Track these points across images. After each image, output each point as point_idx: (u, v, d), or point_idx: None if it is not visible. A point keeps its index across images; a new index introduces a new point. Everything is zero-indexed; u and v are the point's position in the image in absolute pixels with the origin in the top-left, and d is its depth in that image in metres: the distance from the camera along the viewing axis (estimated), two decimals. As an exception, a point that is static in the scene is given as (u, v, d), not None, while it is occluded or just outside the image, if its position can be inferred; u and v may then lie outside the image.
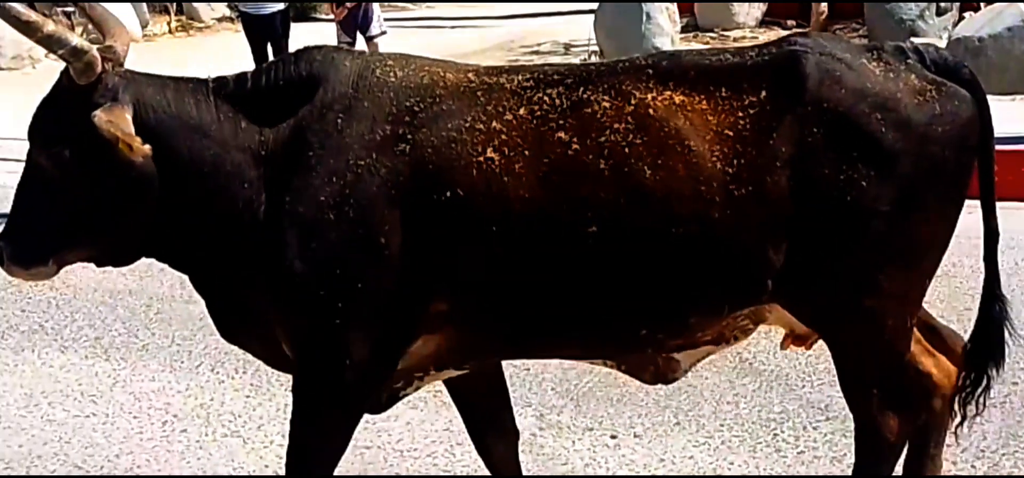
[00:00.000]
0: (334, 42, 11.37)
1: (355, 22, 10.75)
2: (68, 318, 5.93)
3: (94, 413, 4.79)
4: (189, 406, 4.80)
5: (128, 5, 17.26)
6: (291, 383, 3.14)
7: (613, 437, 4.36)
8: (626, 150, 2.81)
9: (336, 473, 3.18)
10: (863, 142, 2.80)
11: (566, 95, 2.90)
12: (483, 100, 2.91)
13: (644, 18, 11.39)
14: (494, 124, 2.86)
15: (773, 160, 2.81)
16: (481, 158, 2.83)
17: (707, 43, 12.84)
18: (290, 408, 4.63)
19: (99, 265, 3.17)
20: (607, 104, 2.86)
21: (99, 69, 2.86)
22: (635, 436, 4.35)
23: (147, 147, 2.81)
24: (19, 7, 2.84)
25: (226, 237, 2.96)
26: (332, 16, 11.46)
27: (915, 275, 2.98)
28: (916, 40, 5.38)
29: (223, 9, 18.89)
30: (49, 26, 2.83)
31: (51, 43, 2.83)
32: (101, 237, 2.99)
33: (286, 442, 4.37)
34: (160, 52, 16.24)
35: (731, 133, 2.82)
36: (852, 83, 2.83)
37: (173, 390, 4.96)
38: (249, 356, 3.49)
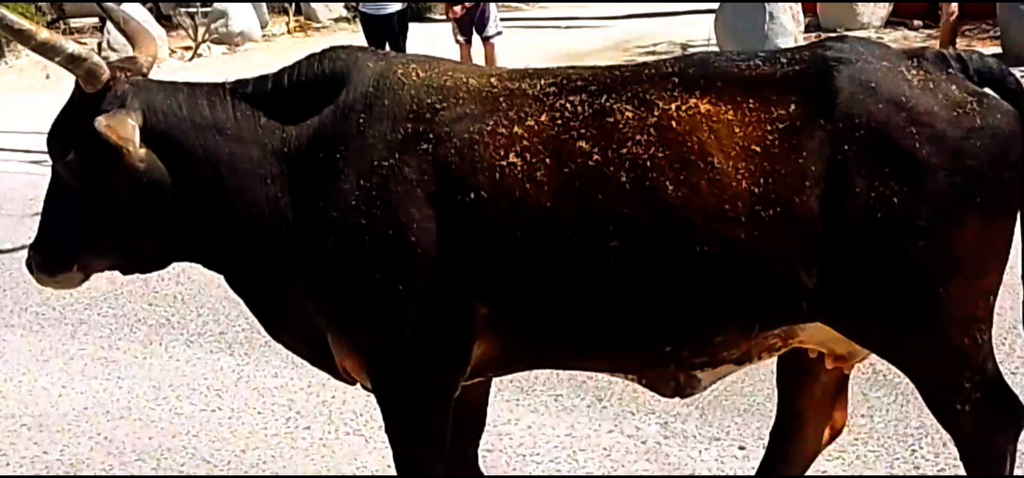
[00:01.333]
0: (450, 42, 11.45)
1: (471, 22, 10.76)
2: (193, 313, 6.02)
3: (220, 408, 4.84)
4: (311, 403, 4.82)
5: (249, 6, 17.71)
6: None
7: (741, 448, 4.23)
8: (648, 163, 2.73)
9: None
10: (896, 158, 2.68)
11: (589, 102, 2.83)
12: (505, 105, 2.86)
13: (767, 18, 11.14)
14: (516, 129, 2.81)
15: (802, 179, 2.69)
16: (503, 162, 2.78)
17: (830, 44, 12.55)
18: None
19: (125, 272, 3.22)
20: (630, 114, 2.79)
21: (105, 77, 2.90)
22: (764, 448, 4.21)
23: (142, 151, 2.83)
24: (12, 16, 2.87)
25: (253, 235, 2.96)
26: (446, 16, 11.50)
27: (972, 291, 2.82)
28: None
29: (340, 9, 19.18)
30: (42, 34, 2.88)
31: (46, 50, 2.87)
32: (122, 243, 3.03)
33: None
34: (279, 52, 16.52)
35: (758, 149, 2.71)
36: (886, 96, 2.71)
37: (296, 387, 4.98)
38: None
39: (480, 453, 3.55)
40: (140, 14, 16.54)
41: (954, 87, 2.75)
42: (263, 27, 18.05)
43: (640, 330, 2.88)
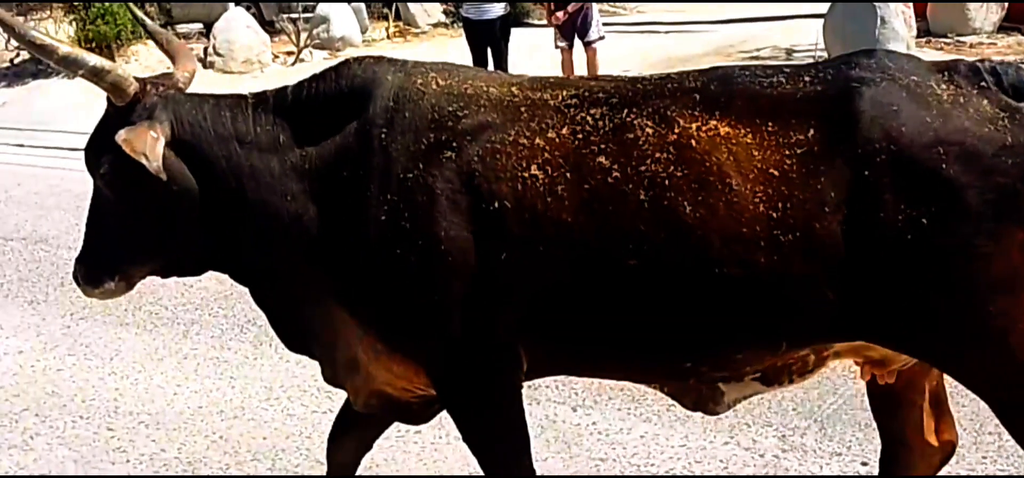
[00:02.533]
0: (551, 47, 11.43)
1: (573, 27, 10.72)
2: (303, 314, 6.04)
3: (330, 409, 4.81)
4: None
5: (350, 12, 17.90)
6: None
7: (864, 464, 4.11)
8: (666, 182, 2.71)
9: None
10: (923, 178, 2.60)
11: (609, 116, 2.81)
12: (526, 115, 2.86)
13: (878, 23, 10.86)
14: (537, 141, 2.80)
15: (822, 205, 2.63)
16: (525, 174, 2.77)
17: (941, 50, 12.21)
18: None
19: (164, 276, 3.26)
20: (650, 130, 2.76)
21: (132, 89, 2.97)
22: (887, 464, 4.08)
23: (156, 165, 2.87)
24: (34, 32, 2.96)
25: (274, 248, 2.99)
26: (546, 21, 11.48)
27: (1006, 303, 2.68)
28: None
29: (439, 15, 19.28)
30: (63, 48, 2.95)
31: (68, 64, 2.94)
32: (157, 252, 3.10)
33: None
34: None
35: (777, 173, 2.66)
36: (911, 115, 2.63)
37: (405, 390, 4.97)
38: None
39: (592, 462, 3.50)
40: (244, 19, 16.88)
41: (986, 102, 2.66)
42: (363, 32, 18.21)
43: (658, 346, 2.87)
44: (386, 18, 19.10)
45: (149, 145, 2.88)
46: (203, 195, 3.00)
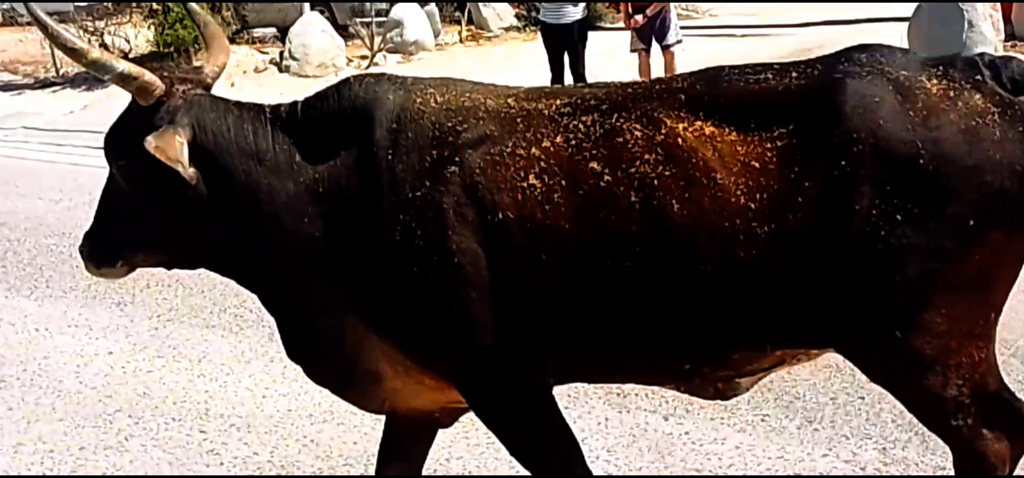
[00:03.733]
0: (625, 50, 11.37)
1: (651, 30, 10.65)
2: (387, 318, 6.04)
3: (418, 415, 4.84)
4: (510, 414, 4.77)
5: (423, 16, 17.99)
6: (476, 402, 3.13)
7: None
8: (655, 183, 2.73)
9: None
10: (901, 174, 2.57)
11: (600, 122, 2.83)
12: (522, 126, 2.89)
13: (966, 26, 10.59)
14: (533, 151, 2.83)
15: (797, 197, 2.63)
16: (524, 184, 2.81)
17: (1027, 53, 11.91)
18: (608, 419, 4.62)
19: (169, 267, 3.40)
20: (639, 133, 2.78)
21: (158, 92, 3.01)
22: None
23: (191, 171, 2.93)
24: (67, 34, 3.01)
25: (288, 266, 3.02)
26: (624, 24, 11.41)
27: (977, 310, 2.69)
28: None
29: (511, 18, 19.31)
30: (94, 53, 3.03)
31: (98, 68, 3.00)
32: (164, 244, 3.18)
33: (610, 456, 4.36)
34: (452, 60, 16.76)
35: (757, 166, 2.67)
36: (892, 108, 2.60)
37: (492, 396, 4.94)
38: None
39: (688, 470, 3.45)
40: (319, 24, 17.03)
41: (978, 96, 2.62)
42: (436, 36, 18.31)
43: (657, 349, 2.89)
44: (459, 22, 19.17)
45: (179, 151, 2.92)
46: (217, 203, 3.03)
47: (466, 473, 4.28)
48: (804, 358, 3.04)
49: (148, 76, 3.01)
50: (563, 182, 2.79)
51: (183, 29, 17.14)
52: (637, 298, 2.78)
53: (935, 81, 2.65)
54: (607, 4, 18.03)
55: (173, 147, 2.91)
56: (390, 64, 16.66)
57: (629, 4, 10.74)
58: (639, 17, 10.48)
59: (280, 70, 16.52)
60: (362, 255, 2.91)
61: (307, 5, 18.41)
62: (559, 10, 10.44)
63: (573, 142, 2.82)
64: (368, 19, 18.10)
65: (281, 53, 16.97)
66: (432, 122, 2.91)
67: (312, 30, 16.73)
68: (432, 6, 18.68)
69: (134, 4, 20.19)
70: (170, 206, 3.05)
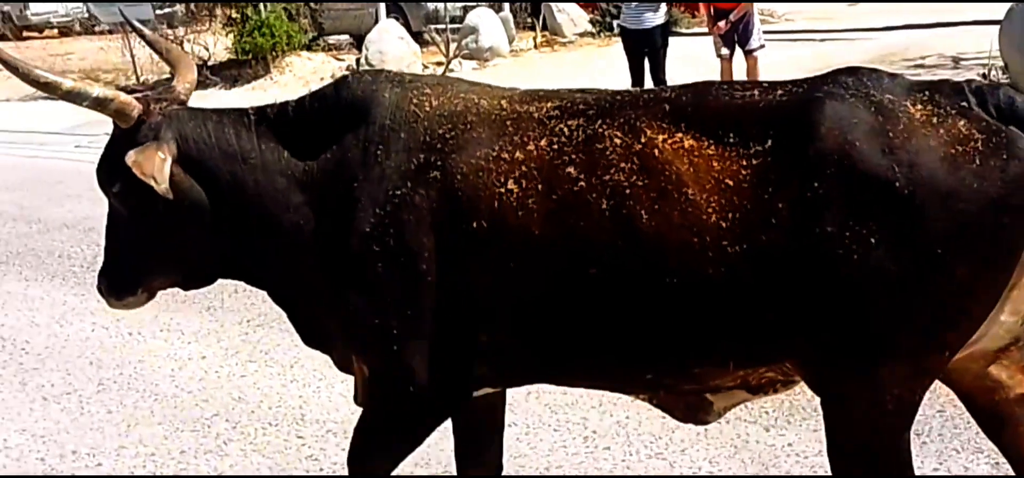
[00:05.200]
0: (708, 55, 11.25)
1: (734, 35, 10.54)
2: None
3: (513, 422, 4.79)
4: (606, 423, 4.73)
5: (498, 23, 18.02)
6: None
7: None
8: (627, 191, 2.72)
9: None
10: (874, 197, 2.51)
11: (584, 128, 2.83)
12: (511, 129, 2.89)
13: (1060, 29, 10.29)
14: (517, 154, 2.84)
15: (769, 216, 2.60)
16: (502, 189, 2.81)
17: None
18: (707, 431, 4.54)
19: (185, 288, 3.42)
20: (618, 140, 2.78)
21: (136, 112, 3.08)
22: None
23: (164, 187, 2.94)
24: (39, 71, 3.07)
25: (282, 259, 3.08)
26: (707, 29, 11.31)
27: (934, 344, 2.63)
28: None
29: (586, 24, 19.27)
30: (67, 83, 3.07)
31: (73, 97, 3.06)
32: (174, 263, 3.22)
33: (713, 468, 4.29)
34: (526, 67, 16.77)
35: (731, 183, 2.65)
36: (870, 129, 2.54)
37: (587, 405, 4.89)
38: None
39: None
40: (396, 31, 17.14)
41: (963, 122, 2.55)
42: (511, 42, 18.33)
43: (621, 357, 2.88)
44: (533, 28, 19.17)
45: (157, 166, 2.96)
46: (211, 208, 3.08)
47: (419, 469, 4.23)
48: (778, 385, 2.95)
49: (123, 97, 3.09)
50: (540, 186, 2.79)
51: (261, 37, 17.37)
52: (602, 304, 2.78)
53: (919, 106, 2.59)
54: (683, 9, 17.91)
55: (151, 162, 2.95)
56: (465, 70, 16.70)
57: (711, 8, 10.63)
58: (722, 22, 10.37)
59: (356, 77, 16.62)
60: (335, 240, 2.96)
61: (383, 12, 18.53)
62: (640, 15, 10.36)
63: (555, 146, 2.82)
64: (442, 26, 18.17)
65: (357, 60, 17.11)
66: (425, 127, 2.94)
67: (388, 37, 16.85)
68: (507, 12, 18.71)
69: (211, 10, 20.50)
70: (169, 222, 3.09)
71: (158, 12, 20.51)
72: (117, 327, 6.37)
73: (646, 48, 10.51)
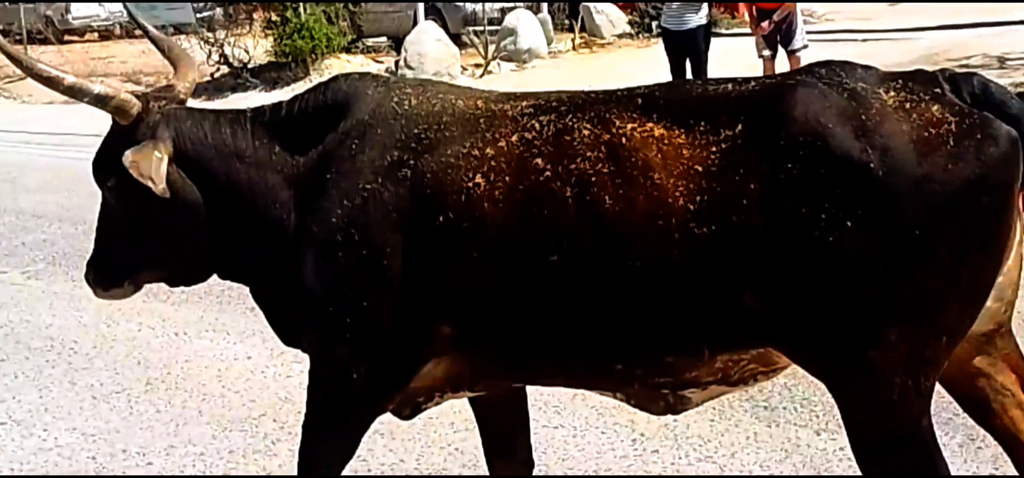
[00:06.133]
0: (750, 56, 11.18)
1: (777, 35, 10.47)
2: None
3: (561, 425, 4.79)
4: (654, 426, 4.68)
5: (536, 24, 18.02)
6: None
7: None
8: (592, 179, 2.74)
9: None
10: (847, 180, 2.52)
11: (555, 122, 2.86)
12: (484, 127, 2.92)
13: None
14: (487, 150, 2.87)
15: (740, 199, 2.60)
16: (470, 184, 2.84)
17: None
18: (757, 434, 4.51)
19: (172, 285, 3.51)
20: (587, 131, 2.80)
21: (135, 110, 3.13)
22: None
23: (162, 187, 2.98)
24: (41, 65, 3.15)
25: (266, 255, 3.12)
26: (750, 30, 11.24)
27: (926, 331, 2.60)
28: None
29: (624, 26, 19.23)
30: (68, 80, 3.13)
31: (74, 93, 3.12)
32: (163, 259, 3.27)
33: (763, 471, 4.25)
34: (564, 68, 16.76)
35: (699, 169, 2.66)
36: (842, 113, 2.56)
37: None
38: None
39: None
40: (434, 33, 17.18)
41: (936, 106, 2.57)
42: (549, 44, 18.32)
43: (589, 348, 2.89)
44: (571, 29, 19.15)
45: (154, 167, 3.00)
46: (206, 205, 3.13)
47: (466, 473, 4.23)
48: (759, 375, 2.95)
49: (123, 95, 3.15)
50: (507, 178, 2.81)
51: (301, 40, 17.46)
52: (567, 291, 2.79)
53: (892, 92, 2.61)
54: (723, 9, 17.82)
55: (148, 162, 3.00)
56: (504, 72, 16.74)
57: (754, 8, 10.57)
58: (765, 23, 10.30)
59: (395, 79, 16.68)
60: (303, 230, 3.01)
61: (422, 14, 18.57)
62: (682, 15, 10.32)
63: (525, 140, 2.85)
64: (480, 28, 18.18)
65: (396, 62, 17.16)
66: (402, 125, 2.98)
67: (427, 39, 16.90)
68: (545, 14, 18.71)
69: (250, 13, 20.62)
70: (163, 218, 3.13)
71: (198, 15, 20.69)
72: (163, 327, 6.42)
73: (688, 49, 10.46)
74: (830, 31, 17.45)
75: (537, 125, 2.87)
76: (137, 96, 3.18)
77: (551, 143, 2.81)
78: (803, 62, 10.56)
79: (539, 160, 2.80)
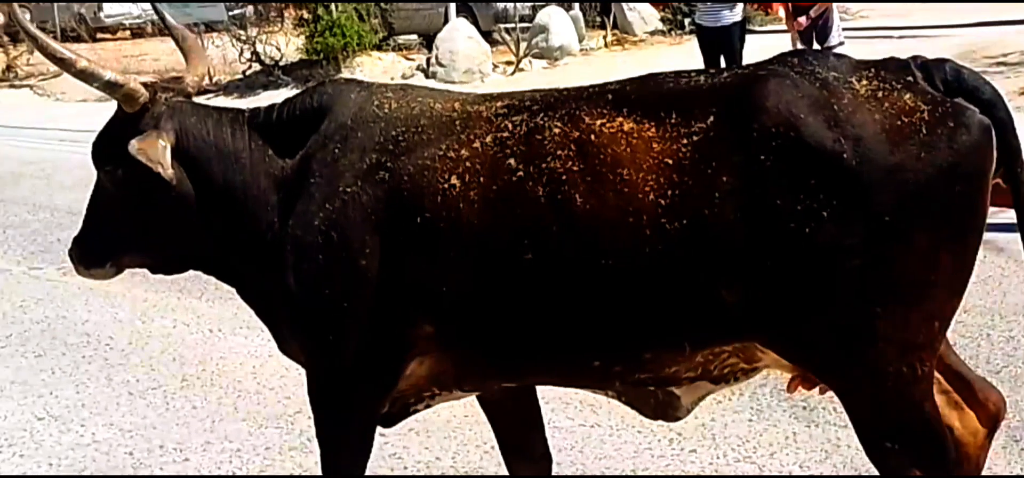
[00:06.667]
0: (777, 51, 11.08)
1: (812, 32, 10.38)
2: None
3: (597, 423, 4.75)
4: (691, 426, 4.63)
5: (568, 21, 17.97)
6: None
7: None
8: (563, 176, 2.75)
9: None
10: (822, 170, 2.53)
11: (527, 122, 2.87)
12: (459, 128, 2.95)
13: None
14: (462, 151, 2.89)
15: (713, 191, 2.61)
16: (445, 185, 2.86)
17: None
18: (796, 434, 4.45)
19: (153, 272, 3.50)
20: (557, 130, 2.81)
21: (142, 99, 3.16)
22: None
23: (171, 172, 3.04)
24: (55, 45, 3.16)
25: (255, 256, 3.15)
26: (786, 26, 11.16)
27: (915, 317, 2.62)
28: None
29: (656, 23, 19.15)
30: (82, 63, 3.15)
31: (85, 77, 3.14)
32: (150, 247, 3.32)
33: (803, 471, 4.20)
34: (596, 66, 16.69)
35: (671, 162, 2.66)
36: (814, 103, 2.57)
37: (671, 406, 4.82)
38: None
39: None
40: (466, 30, 17.16)
41: (908, 95, 2.58)
42: (581, 41, 18.26)
43: (566, 345, 2.89)
44: (603, 27, 19.09)
45: (161, 153, 3.05)
46: (199, 201, 3.17)
47: (502, 473, 4.16)
48: (739, 373, 2.95)
49: (133, 83, 3.18)
50: (481, 179, 2.83)
51: (332, 37, 17.50)
52: (543, 291, 2.80)
53: (865, 81, 2.61)
54: (756, 6, 17.70)
55: (155, 149, 3.05)
56: (535, 69, 16.70)
57: (790, 5, 10.48)
58: (802, 19, 10.21)
59: (426, 76, 16.69)
60: (286, 233, 3.04)
61: (453, 12, 18.56)
62: (717, 13, 10.25)
63: (499, 141, 2.87)
64: (511, 25, 18.15)
65: (428, 59, 17.16)
66: (381, 128, 3.00)
67: (458, 36, 16.87)
68: (577, 11, 18.65)
69: (281, 10, 20.68)
70: (155, 208, 3.18)
71: (230, 13, 20.78)
72: (198, 324, 6.44)
73: (723, 46, 10.39)
74: (864, 28, 17.31)
75: (510, 125, 2.89)
76: (146, 86, 3.23)
77: (523, 143, 2.83)
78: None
79: (512, 160, 2.82)
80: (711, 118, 2.66)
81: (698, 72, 2.87)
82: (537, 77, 16.25)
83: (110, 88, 3.15)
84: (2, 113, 14.99)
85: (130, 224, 3.27)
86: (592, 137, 2.76)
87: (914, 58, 2.72)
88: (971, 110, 2.57)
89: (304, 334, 3.11)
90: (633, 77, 2.95)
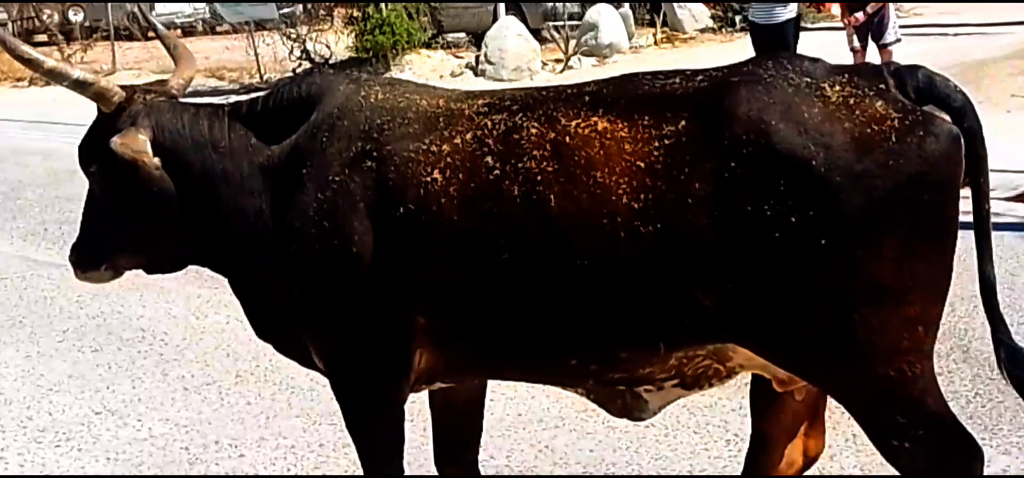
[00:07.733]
0: (841, 49, 10.94)
1: (868, 29, 10.25)
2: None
3: (653, 423, 4.65)
4: (747, 426, 4.53)
5: (618, 19, 17.90)
6: None
7: None
8: (538, 177, 2.78)
9: None
10: (793, 176, 2.55)
11: (506, 120, 2.90)
12: (442, 124, 2.98)
13: None
14: (444, 147, 2.92)
15: (685, 195, 2.64)
16: (428, 179, 2.89)
17: None
18: (856, 436, 4.38)
19: (149, 272, 3.55)
20: (534, 130, 2.84)
21: (116, 98, 3.22)
22: None
23: (156, 160, 3.13)
24: (24, 47, 3.25)
25: (244, 244, 3.18)
26: (843, 22, 11.02)
27: (893, 322, 2.62)
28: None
29: (706, 20, 19.05)
30: (49, 63, 3.24)
31: (54, 76, 3.22)
32: (143, 246, 3.36)
33: (863, 472, 4.13)
34: (645, 63, 16.60)
35: (643, 165, 2.69)
36: (786, 110, 2.58)
37: (727, 408, 4.77)
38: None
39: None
40: (515, 28, 17.14)
41: (880, 103, 2.59)
42: (630, 39, 18.20)
43: (542, 342, 2.93)
44: (653, 24, 19.01)
45: (141, 145, 3.13)
46: (181, 195, 3.20)
47: (556, 472, 4.20)
48: (713, 378, 2.97)
49: (104, 82, 3.26)
50: (461, 175, 2.87)
51: (381, 35, 17.57)
52: (520, 290, 2.83)
53: (837, 88, 2.62)
54: (808, 5, 17.52)
55: (136, 142, 3.12)
56: (585, 67, 16.64)
57: (846, 3, 10.35)
58: (859, 14, 10.08)
59: (475, 74, 16.71)
60: (283, 225, 3.07)
61: (502, 10, 18.55)
62: (771, 10, 10.13)
63: (478, 138, 2.90)
64: (560, 23, 18.11)
65: (477, 57, 17.17)
66: (366, 117, 3.04)
67: (508, 34, 16.86)
68: (626, 8, 18.57)
69: (330, 9, 20.78)
70: (140, 205, 3.23)
71: (281, 11, 20.92)
72: (251, 320, 6.45)
73: (776, 43, 10.25)
74: (921, 25, 17.08)
75: (489, 124, 2.92)
76: (124, 87, 3.30)
77: (501, 142, 2.87)
78: (895, 57, 10.34)
79: (489, 158, 2.86)
80: (683, 122, 2.68)
81: (675, 73, 2.88)
82: (586, 74, 16.15)
83: (79, 87, 3.21)
84: (60, 110, 15.16)
85: (119, 225, 3.32)
86: (566, 138, 2.79)
87: (887, 64, 2.75)
88: (941, 118, 2.60)
89: (315, 328, 3.12)
90: (612, 77, 2.98)
